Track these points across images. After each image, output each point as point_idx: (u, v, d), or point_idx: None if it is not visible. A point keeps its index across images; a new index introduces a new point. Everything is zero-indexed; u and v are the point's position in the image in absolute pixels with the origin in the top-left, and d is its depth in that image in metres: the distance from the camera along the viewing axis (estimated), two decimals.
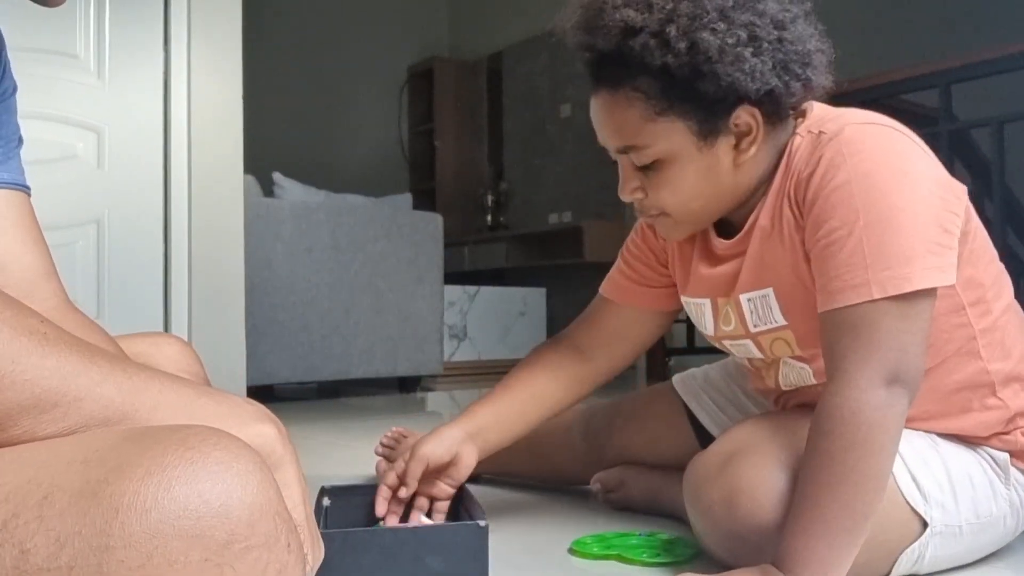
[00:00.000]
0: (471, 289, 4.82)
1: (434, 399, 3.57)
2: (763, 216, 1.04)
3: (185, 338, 2.80)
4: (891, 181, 0.92)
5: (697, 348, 4.15)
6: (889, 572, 1.00)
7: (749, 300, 1.07)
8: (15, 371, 0.44)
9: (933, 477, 1.01)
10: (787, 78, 0.97)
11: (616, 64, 0.98)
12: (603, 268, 1.36)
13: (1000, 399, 1.05)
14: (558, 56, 5.91)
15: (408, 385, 3.84)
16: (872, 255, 0.90)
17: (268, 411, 0.54)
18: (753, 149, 1.00)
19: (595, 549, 1.17)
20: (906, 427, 0.97)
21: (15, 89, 0.90)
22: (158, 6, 2.85)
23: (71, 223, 2.69)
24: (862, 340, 0.90)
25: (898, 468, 0.98)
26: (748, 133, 0.99)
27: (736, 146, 1.00)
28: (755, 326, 1.08)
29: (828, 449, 0.89)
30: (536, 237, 5.77)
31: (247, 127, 3.01)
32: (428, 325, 3.82)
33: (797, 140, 1.02)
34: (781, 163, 1.03)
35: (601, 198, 5.47)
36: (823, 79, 1.02)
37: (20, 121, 0.92)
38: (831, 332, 0.93)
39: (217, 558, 0.40)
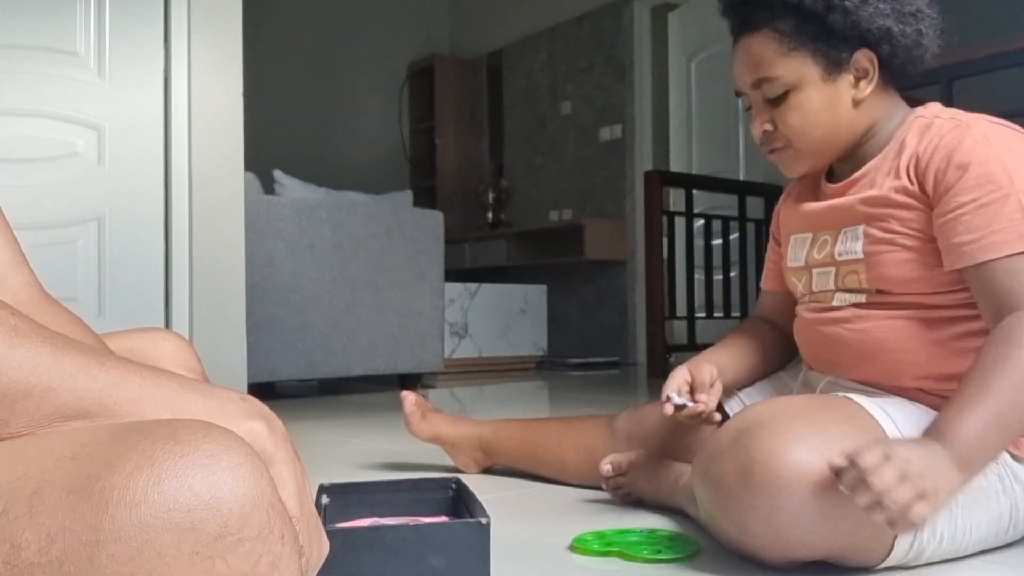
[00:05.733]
0: (472, 286, 4.82)
1: (435, 396, 3.57)
2: (872, 170, 1.17)
3: (186, 335, 2.80)
4: None
5: (698, 345, 4.14)
6: (890, 550, 1.00)
7: (843, 232, 1.20)
8: None
9: None
10: (901, 25, 1.14)
11: (757, 7, 1.16)
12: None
13: None
14: (558, 54, 5.91)
15: (409, 382, 3.84)
16: None
17: (262, 406, 0.53)
18: (869, 89, 1.16)
19: (595, 546, 1.17)
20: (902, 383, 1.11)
21: None
22: (158, 3, 2.85)
23: (72, 221, 2.69)
24: None
25: (896, 437, 1.01)
26: (866, 75, 1.16)
27: (855, 85, 1.16)
28: (840, 255, 1.20)
29: (1007, 346, 0.98)
30: (537, 234, 5.76)
31: (247, 124, 3.01)
32: (429, 322, 3.82)
33: (911, 118, 1.17)
34: (897, 133, 1.17)
35: (602, 196, 5.46)
36: (933, 40, 1.18)
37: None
38: (1000, 277, 1.03)
39: (208, 551, 0.40)
